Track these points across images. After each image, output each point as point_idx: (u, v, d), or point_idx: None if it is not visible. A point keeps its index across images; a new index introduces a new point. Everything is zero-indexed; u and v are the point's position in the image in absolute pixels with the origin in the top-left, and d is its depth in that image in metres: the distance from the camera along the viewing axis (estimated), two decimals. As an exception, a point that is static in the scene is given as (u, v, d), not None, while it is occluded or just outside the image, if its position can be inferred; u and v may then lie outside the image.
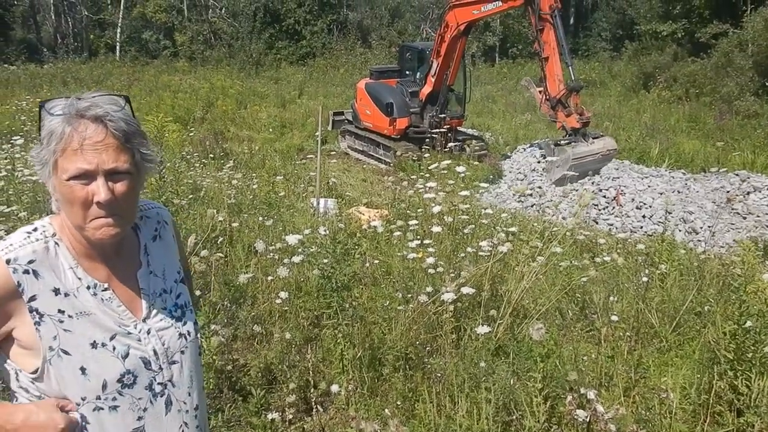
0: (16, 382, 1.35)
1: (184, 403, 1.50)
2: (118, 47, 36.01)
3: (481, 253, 4.37)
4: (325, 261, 3.66)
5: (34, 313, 1.29)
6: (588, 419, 2.76)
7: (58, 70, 24.96)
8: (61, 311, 1.31)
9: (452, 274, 3.96)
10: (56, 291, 1.32)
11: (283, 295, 3.83)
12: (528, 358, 3.40)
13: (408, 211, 5.95)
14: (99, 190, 1.28)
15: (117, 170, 1.30)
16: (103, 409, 1.35)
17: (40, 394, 1.33)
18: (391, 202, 7.03)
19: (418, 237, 4.72)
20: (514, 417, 3.11)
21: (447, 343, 3.62)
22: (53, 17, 39.06)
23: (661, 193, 10.05)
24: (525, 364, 3.40)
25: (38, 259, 1.31)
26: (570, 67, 11.40)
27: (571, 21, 41.46)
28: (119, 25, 36.43)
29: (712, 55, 22.20)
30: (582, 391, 3.00)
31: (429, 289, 3.87)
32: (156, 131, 9.94)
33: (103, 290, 1.38)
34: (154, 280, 1.50)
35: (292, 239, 4.18)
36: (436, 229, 4.75)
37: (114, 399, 1.36)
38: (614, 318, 3.79)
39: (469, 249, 4.55)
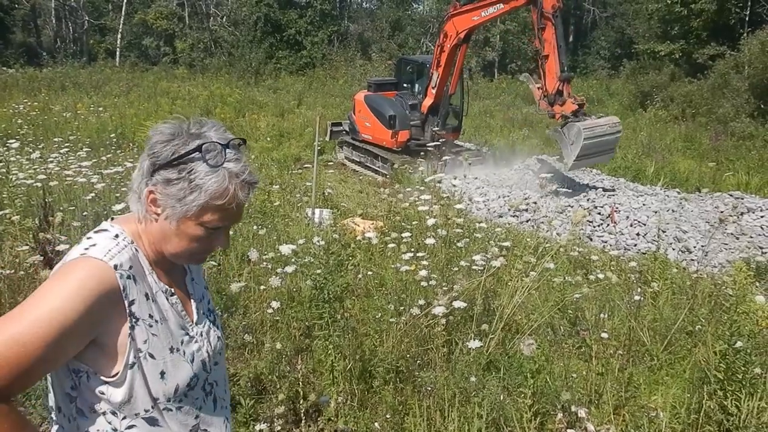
0: (77, 387, 1.35)
1: (224, 399, 1.60)
2: (117, 53, 36.09)
3: (474, 267, 4.37)
4: (318, 272, 3.65)
5: (132, 317, 1.33)
6: (577, 437, 2.76)
7: (57, 75, 24.93)
8: (150, 316, 1.38)
9: (445, 288, 3.96)
10: (147, 296, 1.39)
11: (275, 304, 3.82)
12: (519, 374, 3.40)
13: (403, 224, 5.95)
14: (223, 240, 1.45)
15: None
16: (171, 410, 1.42)
17: (106, 397, 1.34)
18: (386, 214, 7.03)
19: (412, 249, 4.72)
20: (504, 433, 3.10)
21: (438, 357, 3.61)
22: (54, 21, 39.18)
23: (656, 212, 10.07)
24: (516, 379, 3.39)
25: (134, 265, 1.37)
26: (564, 65, 11.58)
27: (571, 39, 41.77)
28: (120, 30, 36.54)
29: (709, 76, 22.38)
30: (573, 409, 3.00)
31: (421, 302, 3.87)
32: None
33: (171, 295, 1.47)
34: (196, 286, 1.61)
35: (285, 249, 4.18)
36: (429, 241, 4.75)
37: (180, 401, 1.44)
38: (604, 335, 3.79)
39: (462, 263, 4.56)
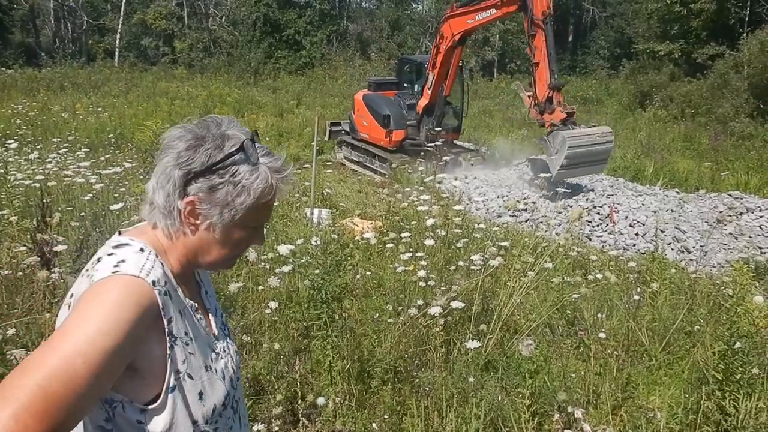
0: (111, 419, 1.23)
1: (245, 417, 1.54)
2: (116, 53, 36.09)
3: (472, 267, 4.37)
4: (316, 272, 3.65)
5: (170, 336, 1.24)
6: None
7: (56, 75, 24.94)
8: (186, 333, 1.29)
9: (443, 288, 3.95)
10: (181, 312, 1.30)
11: (273, 305, 3.82)
12: (517, 374, 3.40)
13: (402, 224, 5.94)
14: (259, 239, 1.40)
15: None
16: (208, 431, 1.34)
17: (145, 426, 1.24)
18: (385, 214, 7.03)
19: (411, 249, 4.71)
20: (502, 433, 3.09)
21: (436, 357, 3.61)
22: (53, 22, 39.16)
23: (655, 212, 10.08)
24: (514, 379, 3.39)
25: (167, 280, 1.28)
26: (554, 74, 11.29)
27: (570, 39, 41.79)
28: (119, 30, 36.56)
29: (709, 75, 22.41)
30: (570, 409, 2.99)
31: (420, 302, 3.86)
32: (153, 137, 9.93)
33: (195, 311, 1.37)
34: (210, 299, 1.53)
35: (283, 249, 4.17)
36: (428, 242, 4.75)
37: (216, 422, 1.35)
38: (602, 335, 3.78)
39: (460, 262, 4.55)
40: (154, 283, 1.21)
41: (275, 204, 1.37)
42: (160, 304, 1.21)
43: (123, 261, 1.21)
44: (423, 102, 13.68)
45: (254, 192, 1.29)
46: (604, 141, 11.28)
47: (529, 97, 11.69)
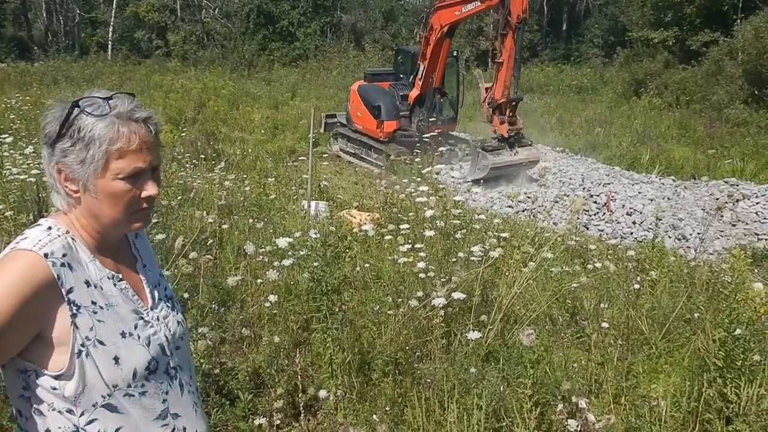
0: (28, 387, 1.34)
1: (190, 385, 1.59)
2: (110, 46, 35.89)
3: (472, 258, 4.36)
4: (315, 264, 3.63)
5: (72, 305, 1.32)
6: (579, 429, 2.75)
7: (49, 69, 24.80)
8: (93, 302, 1.36)
9: (443, 279, 3.94)
10: (87, 283, 1.37)
11: (273, 298, 3.80)
12: (518, 364, 3.39)
13: (399, 215, 5.93)
14: (150, 186, 1.41)
15: (158, 166, 1.43)
16: (134, 395, 1.41)
17: (60, 392, 1.32)
18: (382, 206, 7.01)
19: (410, 241, 4.69)
20: (504, 424, 3.09)
21: (437, 349, 3.60)
22: (45, 15, 38.88)
23: (652, 200, 10.09)
24: (515, 370, 3.38)
25: (68, 253, 1.35)
26: (516, 80, 11.61)
27: (564, 27, 41.67)
28: (111, 23, 36.33)
29: (703, 62, 22.39)
30: (573, 399, 2.99)
31: (420, 293, 3.85)
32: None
33: (119, 281, 1.45)
34: (149, 272, 1.59)
35: (282, 242, 4.15)
36: (427, 233, 4.73)
37: (143, 385, 1.42)
38: (604, 324, 3.78)
39: (460, 254, 4.54)
40: (46, 255, 1.29)
41: (144, 149, 1.38)
42: (55, 275, 1.29)
43: (25, 238, 1.33)
44: (414, 93, 13.69)
45: (99, 140, 1.32)
46: (528, 166, 12.23)
47: (486, 90, 11.85)
